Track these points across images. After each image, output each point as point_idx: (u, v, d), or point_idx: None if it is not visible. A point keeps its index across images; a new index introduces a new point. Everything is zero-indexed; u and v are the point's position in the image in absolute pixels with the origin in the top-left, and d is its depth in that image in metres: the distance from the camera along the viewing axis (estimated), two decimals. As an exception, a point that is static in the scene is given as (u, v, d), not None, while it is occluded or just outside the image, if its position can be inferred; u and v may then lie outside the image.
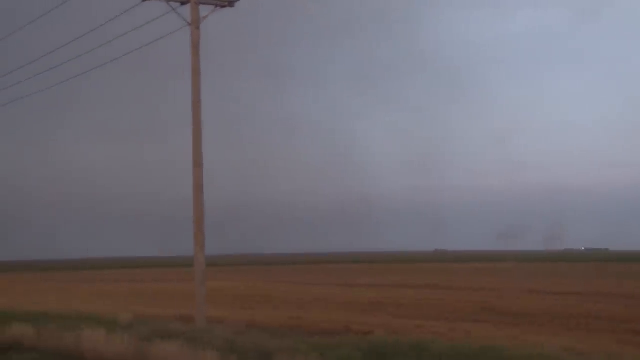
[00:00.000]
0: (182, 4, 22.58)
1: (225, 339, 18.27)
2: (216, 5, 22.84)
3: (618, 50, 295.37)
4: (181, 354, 17.81)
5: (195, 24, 23.04)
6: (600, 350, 16.18)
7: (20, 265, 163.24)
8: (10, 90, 34.02)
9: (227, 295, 41.98)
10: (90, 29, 26.59)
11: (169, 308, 34.29)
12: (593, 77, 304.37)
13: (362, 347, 15.06)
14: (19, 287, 69.83)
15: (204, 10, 22.86)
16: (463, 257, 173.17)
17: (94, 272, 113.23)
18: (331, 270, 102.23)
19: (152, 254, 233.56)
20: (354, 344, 15.85)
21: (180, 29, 23.26)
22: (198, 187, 22.62)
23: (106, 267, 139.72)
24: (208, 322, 23.11)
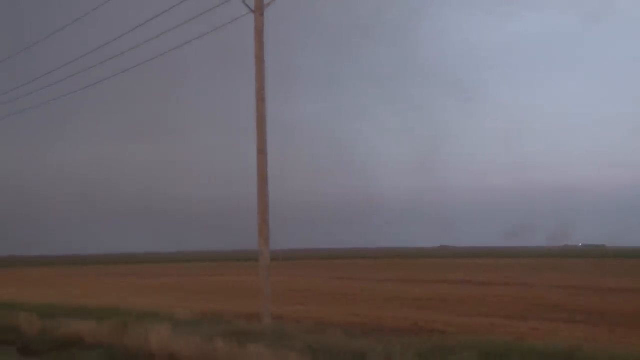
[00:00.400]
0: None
1: (304, 339, 17.33)
2: (280, -8, 22.14)
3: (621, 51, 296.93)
4: (260, 354, 16.85)
5: (259, 10, 22.37)
6: None
7: (48, 260, 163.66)
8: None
9: (272, 291, 40.95)
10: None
11: (218, 303, 33.60)
12: (596, 78, 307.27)
13: (464, 348, 13.95)
14: (55, 280, 69.74)
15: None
16: (469, 253, 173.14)
17: (117, 267, 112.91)
18: (352, 265, 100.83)
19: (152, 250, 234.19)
20: (446, 345, 14.78)
21: (244, 15, 22.68)
22: (262, 177, 21.75)
23: (120, 263, 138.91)
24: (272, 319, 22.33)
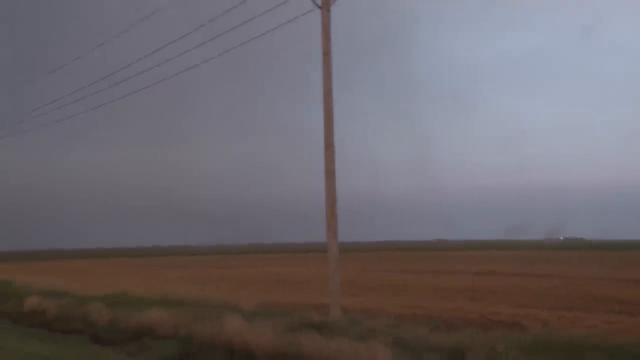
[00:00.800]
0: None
1: (387, 332, 17.34)
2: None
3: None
4: (344, 347, 16.90)
5: (326, 6, 22.58)
6: None
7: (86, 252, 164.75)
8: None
9: (316, 281, 41.20)
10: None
11: (267, 294, 33.76)
12: (595, 84, 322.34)
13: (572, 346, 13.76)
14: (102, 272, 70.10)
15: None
16: (466, 246, 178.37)
17: (159, 259, 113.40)
18: (358, 257, 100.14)
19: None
20: (549, 341, 14.54)
21: (309, 12, 22.87)
22: (329, 171, 21.88)
23: (159, 255, 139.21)
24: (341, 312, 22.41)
